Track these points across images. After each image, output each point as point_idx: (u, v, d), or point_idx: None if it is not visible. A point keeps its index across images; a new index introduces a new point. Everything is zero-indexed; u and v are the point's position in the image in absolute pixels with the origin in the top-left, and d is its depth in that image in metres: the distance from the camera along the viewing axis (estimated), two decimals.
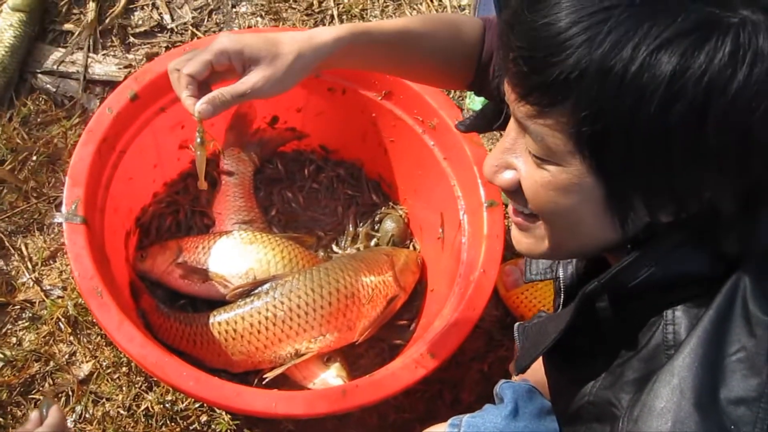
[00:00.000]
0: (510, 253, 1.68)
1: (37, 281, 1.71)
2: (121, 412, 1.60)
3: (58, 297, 1.70)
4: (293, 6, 2.08)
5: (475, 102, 1.94)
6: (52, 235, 1.76)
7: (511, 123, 0.87)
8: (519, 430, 1.15)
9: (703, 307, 0.82)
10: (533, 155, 0.84)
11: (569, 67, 0.75)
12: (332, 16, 2.08)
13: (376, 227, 1.80)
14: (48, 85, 1.91)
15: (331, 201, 1.82)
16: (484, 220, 1.52)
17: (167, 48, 1.99)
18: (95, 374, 1.63)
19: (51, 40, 1.96)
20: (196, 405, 1.60)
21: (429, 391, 1.66)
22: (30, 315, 1.68)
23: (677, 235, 0.83)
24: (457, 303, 1.46)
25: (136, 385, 1.62)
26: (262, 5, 2.07)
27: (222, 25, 2.05)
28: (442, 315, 1.48)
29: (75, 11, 2.00)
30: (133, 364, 1.62)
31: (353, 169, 1.85)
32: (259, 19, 2.07)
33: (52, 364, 1.63)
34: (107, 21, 1.98)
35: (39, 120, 1.86)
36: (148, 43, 2.00)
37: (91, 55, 1.95)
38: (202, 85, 1.07)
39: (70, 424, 1.57)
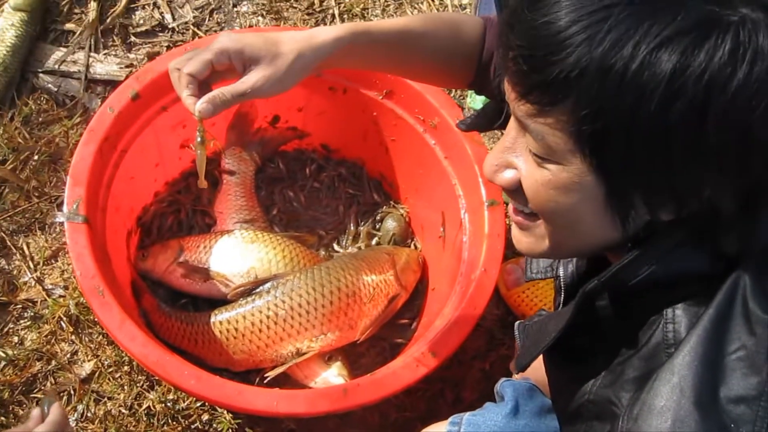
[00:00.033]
0: (511, 251, 1.68)
1: (39, 280, 1.71)
2: (123, 411, 1.60)
3: (60, 296, 1.70)
4: (294, 5, 2.08)
5: (476, 101, 1.94)
6: (54, 235, 1.76)
7: (512, 122, 0.87)
8: (519, 428, 1.15)
9: (703, 306, 0.82)
10: (534, 154, 0.84)
11: (569, 65, 0.75)
12: (333, 16, 2.08)
13: (378, 226, 1.80)
14: (49, 85, 1.91)
15: (332, 200, 1.82)
16: (485, 219, 1.52)
17: (168, 47, 1.99)
18: (97, 373, 1.63)
19: (52, 40, 1.97)
20: (198, 404, 1.60)
21: (430, 389, 1.66)
22: (32, 314, 1.68)
23: (677, 234, 0.83)
24: (458, 302, 1.46)
25: (138, 384, 1.62)
26: (263, 5, 2.07)
27: (223, 25, 2.05)
28: (443, 314, 1.48)
29: (76, 11, 2.00)
30: (134, 363, 1.62)
31: (354, 168, 1.85)
32: (260, 18, 2.07)
33: (53, 363, 1.63)
34: (108, 20, 1.99)
35: (40, 119, 1.87)
36: (150, 42, 2.00)
37: (92, 54, 1.95)
38: (202, 84, 1.07)
39: (72, 423, 1.57)
